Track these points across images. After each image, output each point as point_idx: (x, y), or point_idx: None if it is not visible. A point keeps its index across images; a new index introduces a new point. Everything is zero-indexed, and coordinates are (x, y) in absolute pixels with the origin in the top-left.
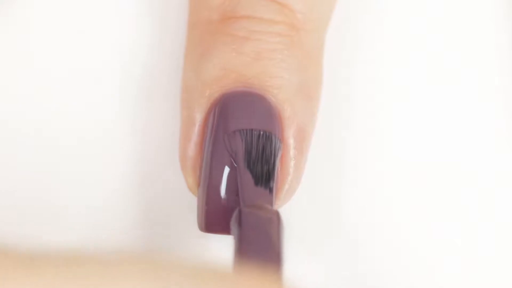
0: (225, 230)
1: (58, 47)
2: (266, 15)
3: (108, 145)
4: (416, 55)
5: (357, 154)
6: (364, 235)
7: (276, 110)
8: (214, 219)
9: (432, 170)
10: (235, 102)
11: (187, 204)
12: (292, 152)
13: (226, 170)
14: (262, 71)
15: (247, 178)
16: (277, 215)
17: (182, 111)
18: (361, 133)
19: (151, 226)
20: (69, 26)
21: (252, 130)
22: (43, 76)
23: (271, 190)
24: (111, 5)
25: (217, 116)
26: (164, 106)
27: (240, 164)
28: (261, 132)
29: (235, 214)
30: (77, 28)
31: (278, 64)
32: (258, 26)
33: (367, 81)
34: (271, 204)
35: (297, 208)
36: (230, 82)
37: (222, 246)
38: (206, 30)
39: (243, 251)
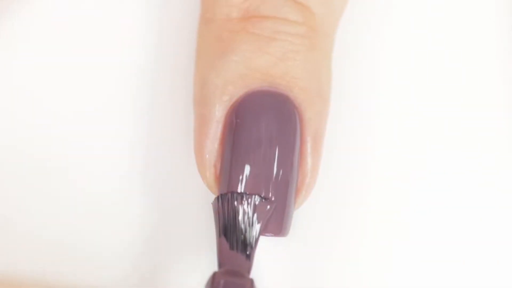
0: None
1: (65, 47)
2: (291, 17)
3: (114, 144)
4: (418, 55)
5: (359, 153)
6: (367, 237)
7: (299, 112)
8: None
9: (435, 170)
10: (260, 101)
11: (201, 201)
12: (310, 152)
13: (247, 168)
14: (286, 72)
15: (222, 242)
16: (251, 283)
17: (197, 108)
18: (363, 133)
19: (163, 222)
20: (74, 25)
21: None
22: (52, 78)
23: (248, 257)
24: (114, 2)
25: (242, 115)
26: (167, 103)
27: (216, 231)
28: (231, 196)
29: (209, 277)
30: (81, 26)
31: (301, 66)
32: (283, 27)
33: (370, 83)
34: (248, 270)
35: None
36: (255, 81)
37: None
38: (225, 27)
39: None
